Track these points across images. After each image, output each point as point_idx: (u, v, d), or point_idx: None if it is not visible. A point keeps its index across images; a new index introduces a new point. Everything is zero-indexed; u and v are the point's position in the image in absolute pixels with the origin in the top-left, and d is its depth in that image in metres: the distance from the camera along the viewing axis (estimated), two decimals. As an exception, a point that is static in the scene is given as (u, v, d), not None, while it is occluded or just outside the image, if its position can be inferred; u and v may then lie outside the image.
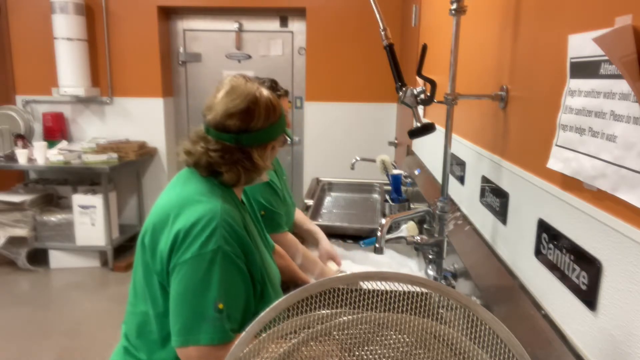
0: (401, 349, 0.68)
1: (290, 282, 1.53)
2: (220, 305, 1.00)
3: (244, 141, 1.11)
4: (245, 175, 1.13)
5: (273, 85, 1.73)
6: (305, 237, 1.95)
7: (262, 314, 0.65)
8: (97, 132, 4.39)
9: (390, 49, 1.32)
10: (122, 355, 1.18)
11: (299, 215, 2.04)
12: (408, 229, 1.80)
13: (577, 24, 0.85)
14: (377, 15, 1.35)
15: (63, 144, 4.18)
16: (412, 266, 1.82)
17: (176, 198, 1.10)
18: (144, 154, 4.24)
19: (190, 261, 1.01)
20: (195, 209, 1.05)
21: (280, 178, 1.90)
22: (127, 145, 4.06)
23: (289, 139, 1.26)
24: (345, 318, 0.68)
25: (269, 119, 1.13)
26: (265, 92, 1.15)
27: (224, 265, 1.02)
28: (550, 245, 0.92)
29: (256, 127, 1.11)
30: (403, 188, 2.36)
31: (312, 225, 1.99)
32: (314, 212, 2.35)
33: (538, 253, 0.97)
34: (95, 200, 3.86)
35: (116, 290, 3.61)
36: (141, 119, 4.34)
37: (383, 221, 1.43)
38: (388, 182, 2.49)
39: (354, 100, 4.23)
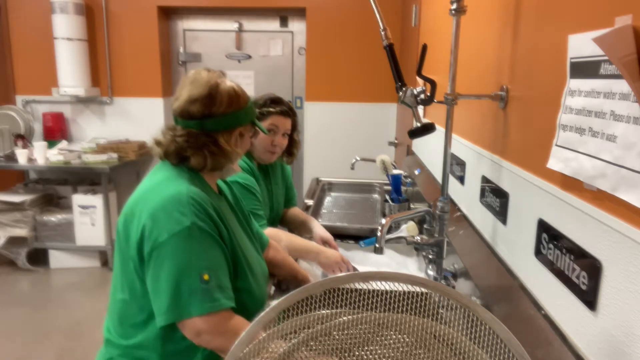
0: (401, 349, 0.68)
1: (289, 276, 1.53)
2: (206, 276, 1.03)
3: (207, 126, 1.16)
4: (212, 159, 1.16)
5: (267, 102, 1.77)
6: (300, 229, 1.96)
7: (262, 314, 0.65)
8: (97, 132, 4.39)
9: (390, 49, 1.32)
10: (104, 350, 1.21)
11: (292, 211, 2.05)
12: (408, 229, 1.80)
13: (577, 24, 0.85)
14: (377, 15, 1.35)
15: (63, 144, 4.18)
16: (412, 266, 1.82)
17: (145, 186, 1.17)
18: (144, 154, 4.24)
19: (169, 241, 1.04)
20: (162, 193, 1.10)
21: (273, 184, 1.92)
22: (127, 145, 4.06)
23: (261, 130, 1.33)
24: (345, 318, 0.68)
25: (231, 106, 1.18)
26: (229, 82, 1.21)
27: (201, 238, 1.06)
28: (550, 245, 0.92)
29: (218, 112, 1.16)
30: (403, 188, 2.36)
31: (305, 216, 2.01)
32: (314, 212, 2.35)
33: (538, 253, 0.97)
34: (95, 200, 3.86)
35: (116, 290, 3.61)
36: (141, 119, 4.34)
37: (383, 221, 1.43)
38: (388, 182, 2.48)
39: (354, 100, 4.23)
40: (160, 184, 1.13)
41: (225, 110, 1.17)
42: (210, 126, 1.16)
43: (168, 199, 1.08)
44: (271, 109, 1.76)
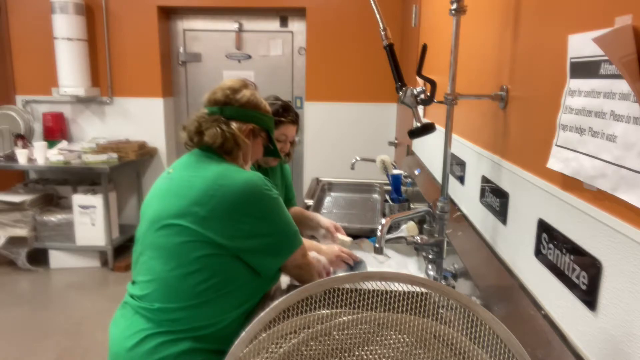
0: (401, 349, 0.68)
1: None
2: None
3: (226, 112, 1.35)
4: (223, 137, 1.31)
5: (279, 110, 1.81)
6: (301, 226, 1.96)
7: (262, 314, 0.65)
8: (97, 132, 4.39)
9: (390, 49, 1.32)
10: (129, 323, 1.33)
11: (292, 210, 2.06)
12: (408, 229, 1.80)
13: (577, 24, 0.85)
14: (377, 15, 1.35)
15: (63, 144, 4.18)
16: (412, 266, 1.82)
17: (211, 175, 1.25)
18: (144, 154, 4.24)
19: (271, 212, 1.28)
20: (237, 181, 1.24)
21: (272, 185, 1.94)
22: (127, 145, 4.06)
23: (271, 146, 1.48)
24: (345, 318, 0.68)
25: (250, 104, 1.37)
26: (258, 95, 1.41)
27: (281, 201, 1.33)
28: (550, 245, 0.92)
29: (238, 103, 1.35)
30: (403, 188, 2.36)
31: (305, 212, 2.03)
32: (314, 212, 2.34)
33: (538, 253, 0.98)
34: (95, 200, 3.86)
35: (116, 290, 3.61)
36: (141, 119, 4.34)
37: (383, 221, 1.43)
38: (388, 182, 2.48)
39: (354, 100, 4.23)
40: (227, 175, 1.25)
41: (244, 105, 1.36)
42: (228, 112, 1.35)
43: (249, 185, 1.24)
44: (283, 119, 1.82)
